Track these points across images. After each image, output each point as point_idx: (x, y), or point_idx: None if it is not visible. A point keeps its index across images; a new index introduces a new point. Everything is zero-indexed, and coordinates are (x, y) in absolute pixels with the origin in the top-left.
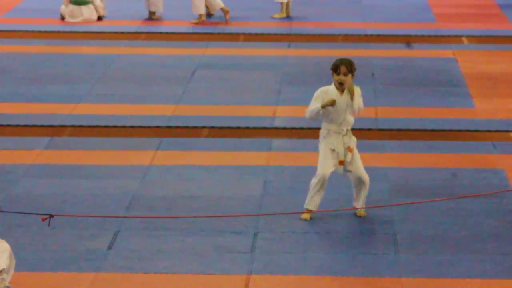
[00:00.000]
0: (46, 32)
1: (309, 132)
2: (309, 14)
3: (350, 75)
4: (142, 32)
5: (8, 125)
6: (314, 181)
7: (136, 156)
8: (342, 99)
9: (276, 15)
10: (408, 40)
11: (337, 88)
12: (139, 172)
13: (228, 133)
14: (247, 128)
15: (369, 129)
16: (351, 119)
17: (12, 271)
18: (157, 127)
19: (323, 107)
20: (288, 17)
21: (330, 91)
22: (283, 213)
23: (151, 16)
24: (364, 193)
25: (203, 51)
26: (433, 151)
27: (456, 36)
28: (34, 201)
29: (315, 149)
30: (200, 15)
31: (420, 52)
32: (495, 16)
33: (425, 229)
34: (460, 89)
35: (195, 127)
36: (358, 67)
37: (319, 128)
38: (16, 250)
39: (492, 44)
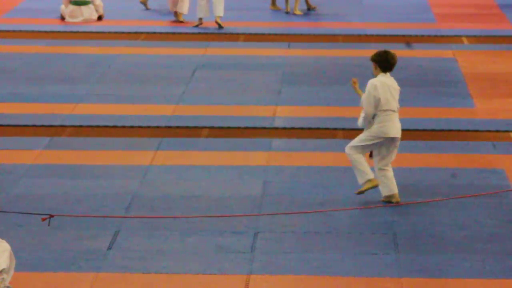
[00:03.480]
0: (46, 32)
1: (309, 132)
2: (309, 14)
3: (372, 63)
4: (142, 32)
5: (8, 125)
6: None
7: (136, 156)
8: None
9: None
10: (408, 40)
11: None
12: (139, 172)
13: (228, 133)
14: (247, 128)
15: None
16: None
17: (12, 271)
18: (157, 127)
19: None
20: (287, 13)
21: None
22: (283, 213)
23: (178, 18)
24: None
25: (203, 51)
26: (433, 151)
27: (456, 36)
28: (34, 201)
29: (315, 149)
30: (200, 19)
31: (420, 52)
32: (495, 16)
33: (425, 229)
34: (460, 89)
35: (195, 127)
36: (358, 67)
37: (319, 128)
38: (16, 250)
39: (492, 44)
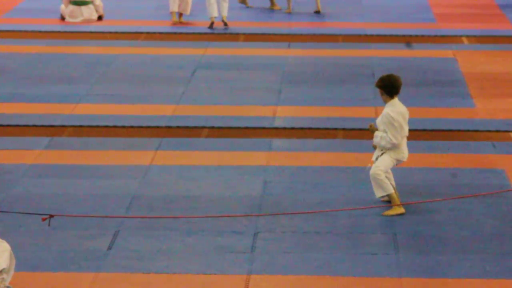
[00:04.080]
0: (46, 32)
1: (309, 132)
2: (309, 14)
3: (380, 91)
4: (142, 32)
5: (8, 125)
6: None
7: (136, 156)
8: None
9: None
10: (408, 40)
11: None
12: (139, 172)
13: (228, 133)
14: (247, 128)
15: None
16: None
17: (12, 271)
18: (157, 127)
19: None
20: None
21: None
22: (283, 213)
23: (179, 20)
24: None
25: (203, 51)
26: (433, 151)
27: (456, 36)
28: (34, 201)
29: (315, 149)
30: (211, 18)
31: (420, 52)
32: (495, 16)
33: (425, 229)
34: (460, 89)
35: (195, 127)
36: (358, 67)
37: (319, 128)
38: (16, 250)
39: (492, 44)
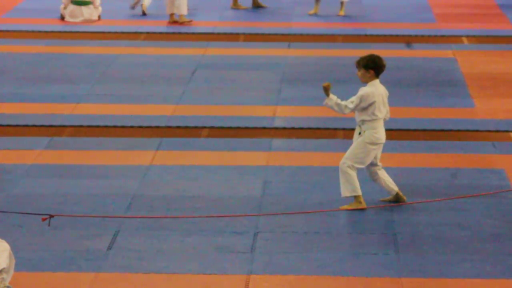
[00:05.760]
0: (46, 32)
1: (309, 132)
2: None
3: (362, 70)
4: (142, 32)
5: (8, 125)
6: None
7: (136, 156)
8: None
9: (311, 12)
10: (408, 40)
11: None
12: (139, 172)
13: (228, 133)
14: (247, 128)
15: None
16: (358, 115)
17: (12, 271)
18: (157, 127)
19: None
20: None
21: None
22: (283, 213)
23: (177, 20)
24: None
25: (203, 51)
26: (433, 151)
27: (456, 36)
28: (34, 201)
29: (315, 149)
30: (170, 15)
31: (420, 52)
32: (495, 16)
33: (425, 229)
34: (460, 89)
35: (195, 127)
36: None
37: (319, 128)
38: (16, 250)
39: (492, 44)
